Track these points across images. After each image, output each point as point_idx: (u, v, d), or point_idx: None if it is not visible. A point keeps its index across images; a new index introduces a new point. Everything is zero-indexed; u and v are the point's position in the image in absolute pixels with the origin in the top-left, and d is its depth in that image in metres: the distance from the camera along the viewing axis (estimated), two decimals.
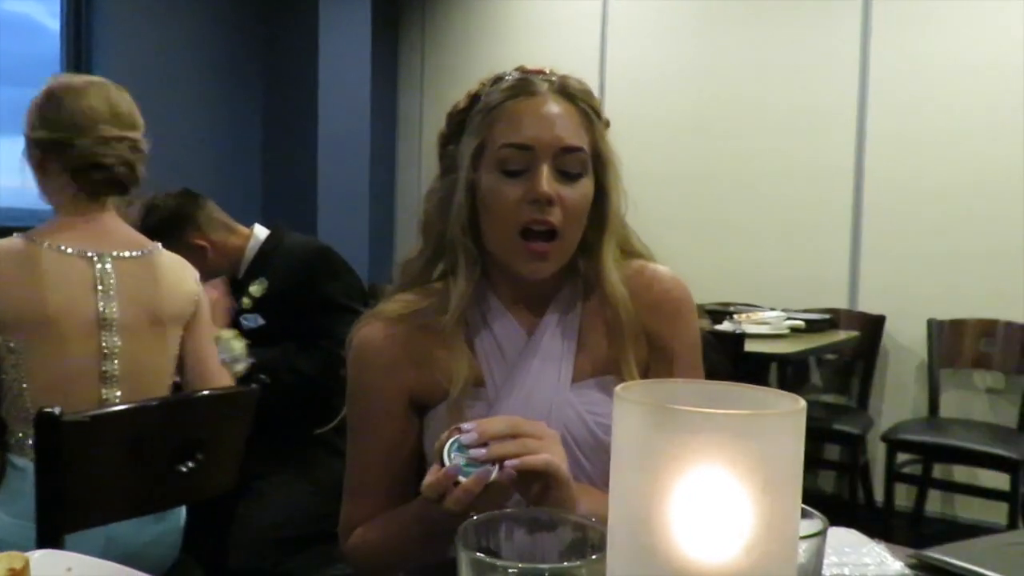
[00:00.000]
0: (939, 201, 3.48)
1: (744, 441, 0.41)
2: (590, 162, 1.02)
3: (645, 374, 1.06)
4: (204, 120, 4.44)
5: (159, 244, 1.69)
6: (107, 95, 1.58)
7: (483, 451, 0.83)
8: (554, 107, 1.01)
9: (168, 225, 2.18)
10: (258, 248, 2.25)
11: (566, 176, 1.00)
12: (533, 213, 0.98)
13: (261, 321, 2.17)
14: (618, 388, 0.46)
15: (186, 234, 2.20)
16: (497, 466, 0.83)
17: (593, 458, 1.02)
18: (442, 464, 0.83)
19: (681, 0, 4.23)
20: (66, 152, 1.54)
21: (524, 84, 1.02)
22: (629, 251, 1.10)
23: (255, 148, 4.64)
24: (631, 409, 0.44)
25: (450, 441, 0.84)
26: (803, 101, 3.83)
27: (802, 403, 0.43)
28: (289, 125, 4.55)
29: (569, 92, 1.03)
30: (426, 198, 1.10)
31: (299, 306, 2.13)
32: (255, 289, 2.19)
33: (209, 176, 4.12)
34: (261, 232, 2.29)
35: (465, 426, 0.85)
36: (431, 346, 1.03)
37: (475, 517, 0.62)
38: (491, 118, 1.01)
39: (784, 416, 0.42)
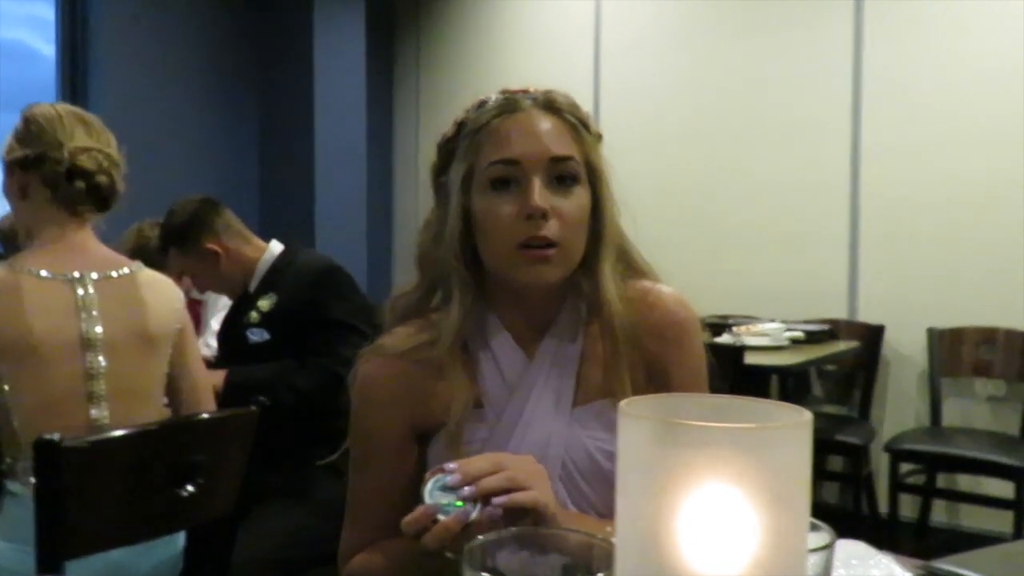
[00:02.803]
0: (936, 209, 3.49)
1: (751, 455, 0.41)
2: (583, 172, 1.02)
3: None
4: (200, 143, 4.46)
5: (140, 263, 1.70)
6: (81, 117, 1.61)
7: (473, 488, 0.83)
8: (540, 121, 1.01)
9: (186, 228, 2.22)
10: (271, 263, 2.26)
11: (559, 187, 1.00)
12: (530, 229, 0.97)
13: (267, 336, 2.17)
14: (622, 403, 0.45)
15: (202, 239, 2.23)
16: (478, 506, 0.83)
17: (595, 484, 1.01)
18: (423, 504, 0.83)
19: (674, 15, 4.25)
20: (44, 165, 1.55)
21: (508, 103, 1.03)
22: (634, 269, 1.09)
23: (252, 170, 4.66)
24: (636, 424, 0.43)
25: (432, 480, 0.85)
26: (797, 112, 3.85)
27: (808, 415, 0.43)
28: (285, 147, 4.56)
29: (555, 106, 1.03)
30: (422, 230, 1.10)
31: (304, 323, 2.13)
32: (264, 304, 2.20)
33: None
34: (277, 247, 2.30)
35: (449, 466, 0.85)
36: (431, 376, 1.03)
37: (480, 539, 0.61)
38: (478, 140, 1.01)
39: (791, 428, 0.42)
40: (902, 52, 3.60)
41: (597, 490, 1.02)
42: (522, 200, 0.98)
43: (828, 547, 0.58)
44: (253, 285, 2.25)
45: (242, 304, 2.25)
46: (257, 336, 2.18)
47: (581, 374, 1.05)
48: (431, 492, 0.84)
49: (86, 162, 1.57)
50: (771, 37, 3.94)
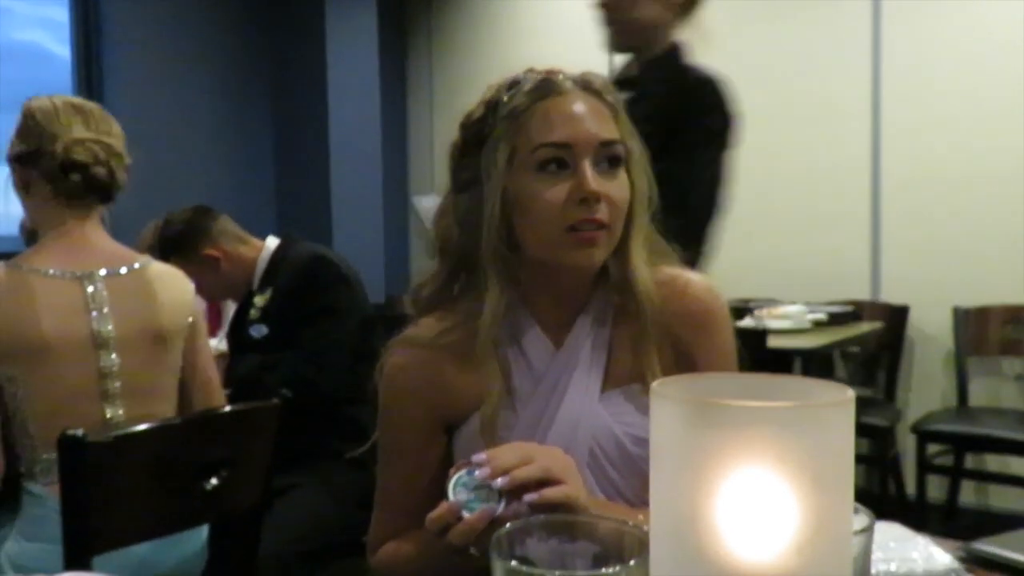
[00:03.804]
0: (958, 187, 3.44)
1: (791, 435, 0.39)
2: (624, 154, 1.01)
3: None
4: (216, 138, 4.47)
5: (148, 257, 1.68)
6: (80, 108, 1.58)
7: (506, 479, 0.82)
8: (583, 103, 0.99)
9: (183, 237, 2.23)
10: (269, 258, 2.27)
11: (606, 171, 0.98)
12: (582, 213, 0.96)
13: (265, 331, 2.18)
14: (654, 384, 0.44)
15: (200, 246, 2.23)
16: (503, 501, 0.81)
17: (623, 470, 1.00)
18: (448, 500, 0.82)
19: None
20: (41, 160, 1.54)
21: (548, 84, 1.00)
22: (658, 253, 1.07)
23: (267, 165, 4.66)
24: (669, 406, 0.41)
25: (456, 475, 0.83)
26: (817, 93, 3.80)
27: (850, 392, 0.41)
28: (300, 139, 4.56)
29: (594, 88, 1.02)
30: (439, 217, 1.07)
31: (298, 314, 2.13)
32: (259, 299, 2.21)
33: (223, 193, 4.14)
34: (272, 243, 2.30)
35: (476, 457, 0.84)
36: (461, 365, 1.02)
37: (508, 526, 0.60)
38: (520, 121, 0.99)
39: (833, 407, 0.40)
40: (921, 30, 3.54)
41: (625, 476, 1.00)
42: (575, 184, 0.96)
43: (867, 530, 0.56)
44: (255, 283, 2.26)
45: (246, 302, 2.26)
46: (257, 332, 2.19)
47: (610, 359, 1.04)
48: (455, 488, 0.82)
49: (81, 154, 1.54)
50: (790, 19, 3.88)
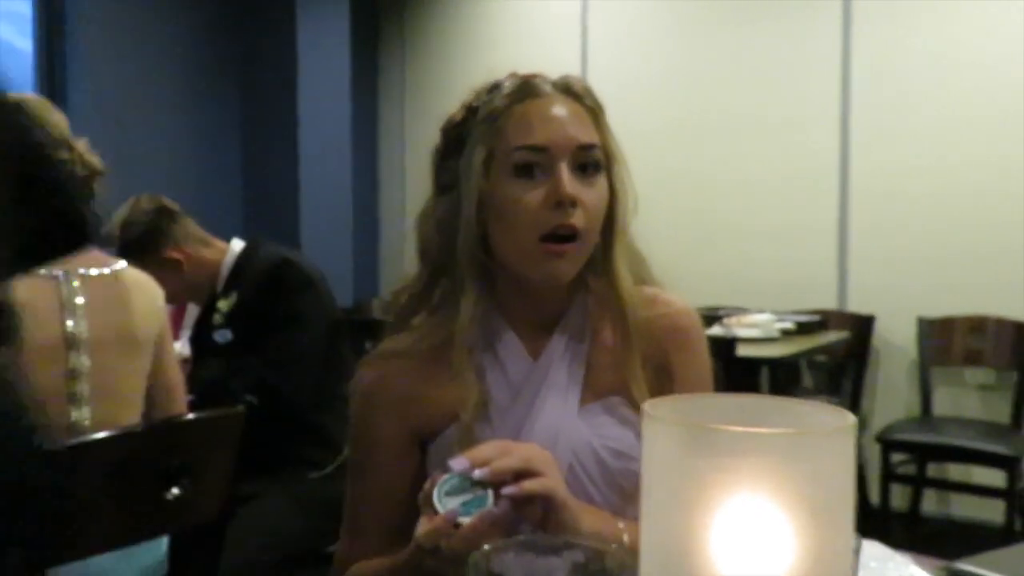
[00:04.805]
0: (925, 199, 3.48)
1: (792, 464, 0.37)
2: (603, 160, 0.99)
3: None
4: (183, 137, 4.38)
5: (124, 262, 1.66)
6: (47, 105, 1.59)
7: (485, 470, 0.80)
8: (562, 106, 0.98)
9: (145, 239, 2.16)
10: (233, 262, 2.22)
11: (584, 175, 0.96)
12: (557, 218, 0.94)
13: (230, 336, 2.13)
14: (645, 405, 0.42)
15: (162, 248, 2.17)
16: (489, 494, 0.80)
17: (602, 484, 0.98)
18: (434, 512, 0.79)
19: (662, 7, 4.22)
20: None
21: (527, 86, 0.99)
22: (638, 263, 1.05)
23: (235, 164, 4.59)
24: (663, 430, 0.39)
25: (437, 486, 0.81)
26: (786, 103, 3.82)
27: (852, 419, 0.39)
28: (269, 139, 4.50)
29: (573, 91, 1.00)
30: (420, 220, 1.05)
31: (264, 320, 2.09)
32: (224, 304, 2.16)
33: (189, 193, 4.04)
34: (237, 246, 2.25)
35: (453, 462, 0.82)
36: (437, 375, 0.99)
37: (486, 547, 0.58)
38: (498, 124, 0.97)
39: (834, 435, 0.38)
40: (891, 41, 3.58)
41: (604, 491, 0.98)
42: (550, 187, 0.94)
43: (855, 551, 0.55)
44: (219, 287, 2.21)
45: (209, 306, 2.21)
46: (221, 337, 2.14)
47: (589, 371, 1.02)
48: (439, 498, 0.80)
49: (95, 163, 1.56)
50: (759, 28, 3.91)
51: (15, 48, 4.04)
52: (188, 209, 2.34)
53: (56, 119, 1.57)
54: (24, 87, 3.95)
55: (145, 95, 4.19)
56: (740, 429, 0.37)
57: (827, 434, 0.38)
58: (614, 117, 1.05)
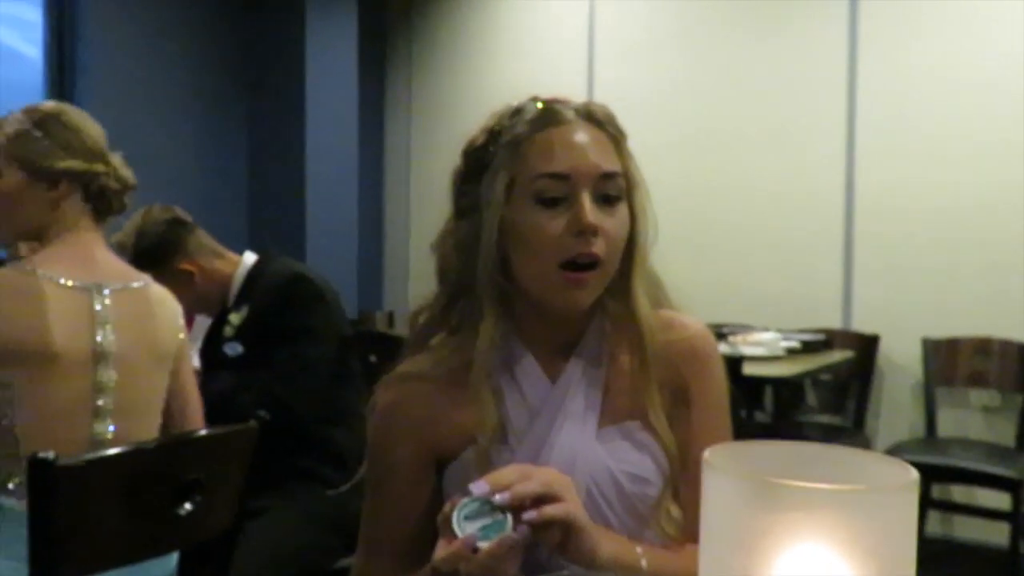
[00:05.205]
0: (930, 218, 3.48)
1: (859, 520, 0.37)
2: (625, 187, 1.00)
3: (668, 423, 1.02)
4: (189, 149, 4.39)
5: (149, 277, 1.66)
6: (89, 119, 1.61)
7: (506, 495, 0.81)
8: (585, 134, 0.98)
9: (158, 250, 2.16)
10: (245, 275, 2.21)
11: (605, 204, 0.97)
12: (578, 246, 0.94)
13: (240, 349, 2.12)
14: (706, 454, 0.42)
15: (174, 260, 2.17)
16: (508, 518, 0.81)
17: (619, 508, 0.98)
18: (453, 536, 0.80)
19: (668, 20, 4.23)
20: (92, 179, 1.56)
21: (550, 113, 0.99)
22: (655, 287, 1.06)
23: (241, 177, 4.59)
24: (725, 482, 0.40)
25: (456, 509, 0.81)
26: (792, 119, 3.84)
27: (914, 474, 0.39)
28: (275, 154, 4.50)
29: (596, 118, 1.01)
30: (439, 242, 1.05)
31: (275, 334, 2.09)
32: (234, 317, 2.15)
33: (195, 205, 4.02)
34: (249, 259, 2.25)
35: (473, 486, 0.82)
36: (455, 397, 0.99)
37: None
38: (521, 151, 0.97)
39: (900, 491, 0.38)
40: (897, 58, 3.60)
41: (620, 515, 0.99)
42: (572, 215, 0.95)
43: None
44: (231, 300, 2.21)
45: (220, 318, 2.21)
46: (231, 350, 2.13)
47: (607, 395, 1.02)
48: (459, 522, 0.80)
49: (124, 179, 1.60)
50: (765, 44, 3.93)
51: (22, 55, 4.05)
52: (195, 219, 2.34)
53: (93, 131, 1.58)
54: (33, 95, 3.96)
55: (153, 108, 4.20)
56: (805, 484, 0.37)
57: (894, 491, 0.39)
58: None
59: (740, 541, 0.39)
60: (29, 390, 1.44)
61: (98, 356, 1.50)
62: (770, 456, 0.44)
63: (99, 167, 1.56)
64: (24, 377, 1.44)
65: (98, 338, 1.51)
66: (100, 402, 1.50)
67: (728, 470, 0.40)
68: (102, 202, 1.59)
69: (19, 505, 1.43)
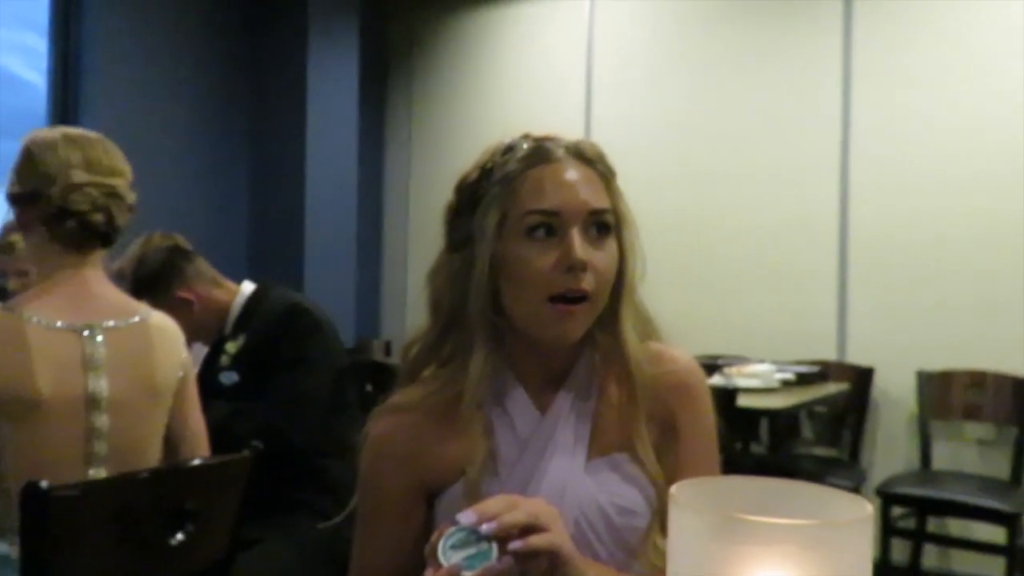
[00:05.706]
0: (925, 252, 3.51)
1: (815, 553, 0.39)
2: (614, 223, 1.02)
3: (656, 456, 1.04)
4: (190, 174, 4.43)
5: (148, 307, 1.62)
6: (82, 144, 1.50)
7: (492, 525, 0.82)
8: (575, 171, 1.01)
9: (157, 278, 2.17)
10: (243, 304, 2.23)
11: (595, 239, 0.99)
12: (567, 282, 0.96)
13: (236, 378, 2.13)
14: (673, 489, 0.43)
15: (174, 288, 2.18)
16: (495, 547, 0.81)
17: (607, 540, 0.99)
18: (438, 566, 0.81)
19: (665, 54, 4.29)
20: (39, 202, 1.46)
21: (541, 151, 1.02)
22: (644, 322, 1.08)
23: (241, 205, 4.63)
24: (690, 517, 0.41)
25: (443, 539, 0.82)
26: (787, 152, 3.88)
27: (869, 508, 0.41)
28: (276, 180, 4.55)
29: (586, 156, 1.03)
30: (432, 275, 1.07)
31: (271, 363, 2.10)
32: (231, 346, 2.16)
33: (195, 231, 4.06)
34: (248, 288, 2.27)
35: (461, 516, 0.83)
36: (446, 429, 1.01)
37: None
38: (512, 187, 1.00)
39: (853, 525, 0.40)
40: (891, 94, 3.64)
41: (609, 547, 1.00)
42: (562, 251, 0.97)
43: None
44: (228, 328, 2.22)
45: (217, 347, 2.22)
46: (227, 379, 2.13)
47: (596, 427, 1.03)
48: (444, 551, 0.81)
49: (78, 201, 1.46)
50: (761, 80, 3.98)
51: (25, 81, 4.10)
52: (194, 245, 2.36)
53: (59, 155, 1.48)
54: (35, 121, 4.01)
55: (155, 135, 4.24)
56: (765, 520, 0.39)
57: (846, 525, 0.40)
58: (616, 164, 1.08)
59: (704, 573, 0.41)
60: (19, 438, 1.40)
61: (91, 401, 1.45)
62: (735, 491, 0.46)
63: (43, 189, 1.46)
64: (12, 426, 1.39)
65: (90, 384, 1.45)
66: (94, 448, 1.46)
67: (691, 505, 0.41)
68: (60, 228, 1.47)
69: (12, 551, 1.41)
